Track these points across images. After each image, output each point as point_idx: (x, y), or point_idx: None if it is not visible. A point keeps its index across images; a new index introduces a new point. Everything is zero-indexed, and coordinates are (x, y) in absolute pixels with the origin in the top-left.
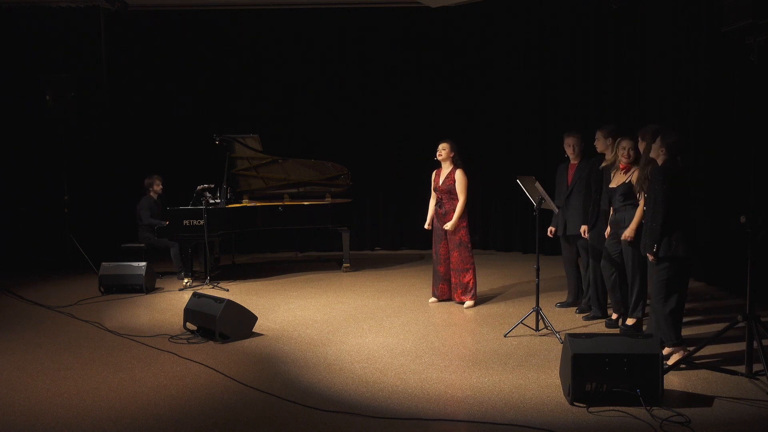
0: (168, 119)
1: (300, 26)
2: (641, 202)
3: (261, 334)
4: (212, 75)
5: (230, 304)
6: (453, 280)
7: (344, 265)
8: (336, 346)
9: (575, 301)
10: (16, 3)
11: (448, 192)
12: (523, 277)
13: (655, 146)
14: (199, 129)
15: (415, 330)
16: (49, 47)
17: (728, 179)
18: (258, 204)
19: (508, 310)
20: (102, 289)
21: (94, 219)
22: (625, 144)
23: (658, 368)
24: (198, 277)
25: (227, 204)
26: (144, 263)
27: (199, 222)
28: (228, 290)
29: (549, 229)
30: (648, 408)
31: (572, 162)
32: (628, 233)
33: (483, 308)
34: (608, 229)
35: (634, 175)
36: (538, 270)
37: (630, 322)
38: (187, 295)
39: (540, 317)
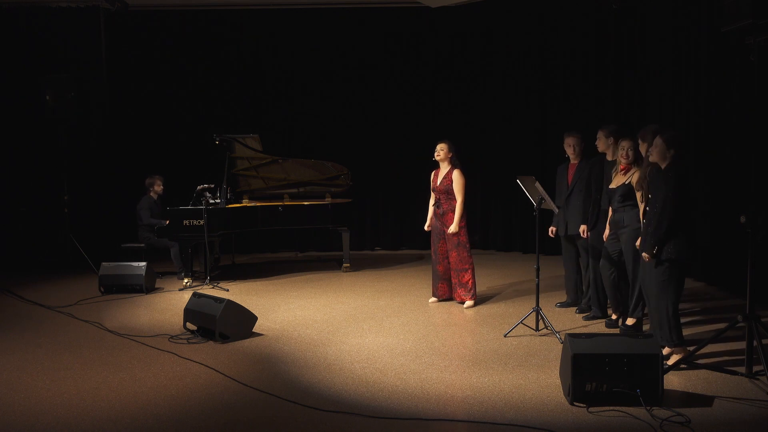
0: (168, 119)
1: (300, 26)
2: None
3: (261, 334)
4: (212, 75)
5: (230, 304)
6: (453, 279)
7: (344, 265)
8: (336, 346)
9: (575, 301)
10: (16, 3)
11: (446, 192)
12: (523, 277)
13: (657, 145)
14: (199, 129)
15: (415, 330)
16: (49, 47)
17: (728, 179)
18: (258, 204)
19: (508, 310)
20: (102, 289)
21: (94, 219)
22: (625, 144)
23: (658, 368)
24: (198, 277)
25: (227, 204)
26: (144, 263)
27: (199, 222)
28: (228, 290)
29: (550, 229)
30: (648, 408)
31: (572, 162)
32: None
33: (483, 308)
34: (607, 229)
35: (633, 176)
36: (538, 270)
37: (630, 322)
38: (187, 295)
39: (540, 317)
